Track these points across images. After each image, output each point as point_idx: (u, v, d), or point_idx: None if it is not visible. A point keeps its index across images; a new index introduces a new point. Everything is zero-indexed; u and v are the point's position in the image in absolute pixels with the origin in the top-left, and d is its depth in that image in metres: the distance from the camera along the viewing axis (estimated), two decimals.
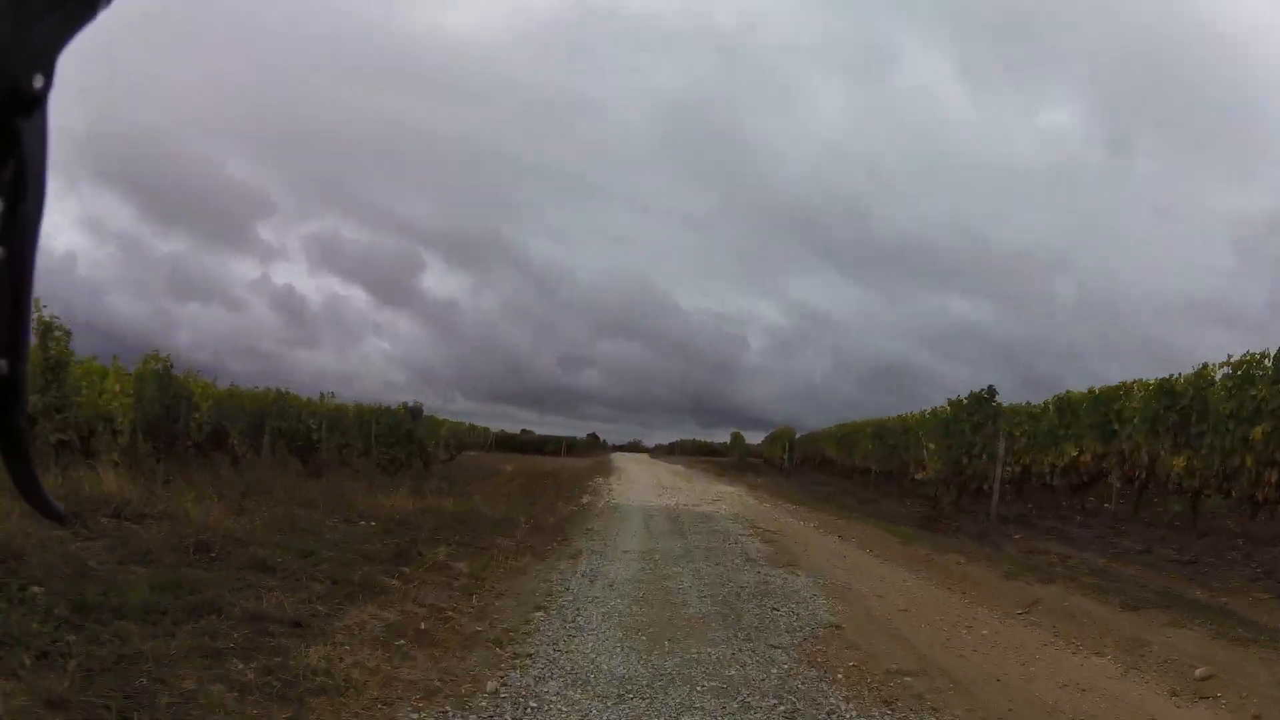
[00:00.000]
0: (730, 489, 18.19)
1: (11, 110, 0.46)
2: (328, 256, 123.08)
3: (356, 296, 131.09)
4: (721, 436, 72.22)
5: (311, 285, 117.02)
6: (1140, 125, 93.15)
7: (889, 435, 16.71)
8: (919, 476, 13.88)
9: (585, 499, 13.30)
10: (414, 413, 16.60)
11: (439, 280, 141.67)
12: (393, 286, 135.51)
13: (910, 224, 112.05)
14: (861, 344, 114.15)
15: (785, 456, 24.40)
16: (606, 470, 24.65)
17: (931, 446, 12.93)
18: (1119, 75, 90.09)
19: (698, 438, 70.01)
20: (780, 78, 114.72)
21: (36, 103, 0.47)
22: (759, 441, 41.57)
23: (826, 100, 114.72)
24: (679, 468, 32.85)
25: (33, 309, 0.53)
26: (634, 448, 76.77)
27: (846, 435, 21.71)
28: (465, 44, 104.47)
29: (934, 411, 13.50)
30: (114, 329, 70.66)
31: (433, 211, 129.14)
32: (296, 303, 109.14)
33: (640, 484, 18.36)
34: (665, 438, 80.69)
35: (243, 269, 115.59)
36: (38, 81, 0.47)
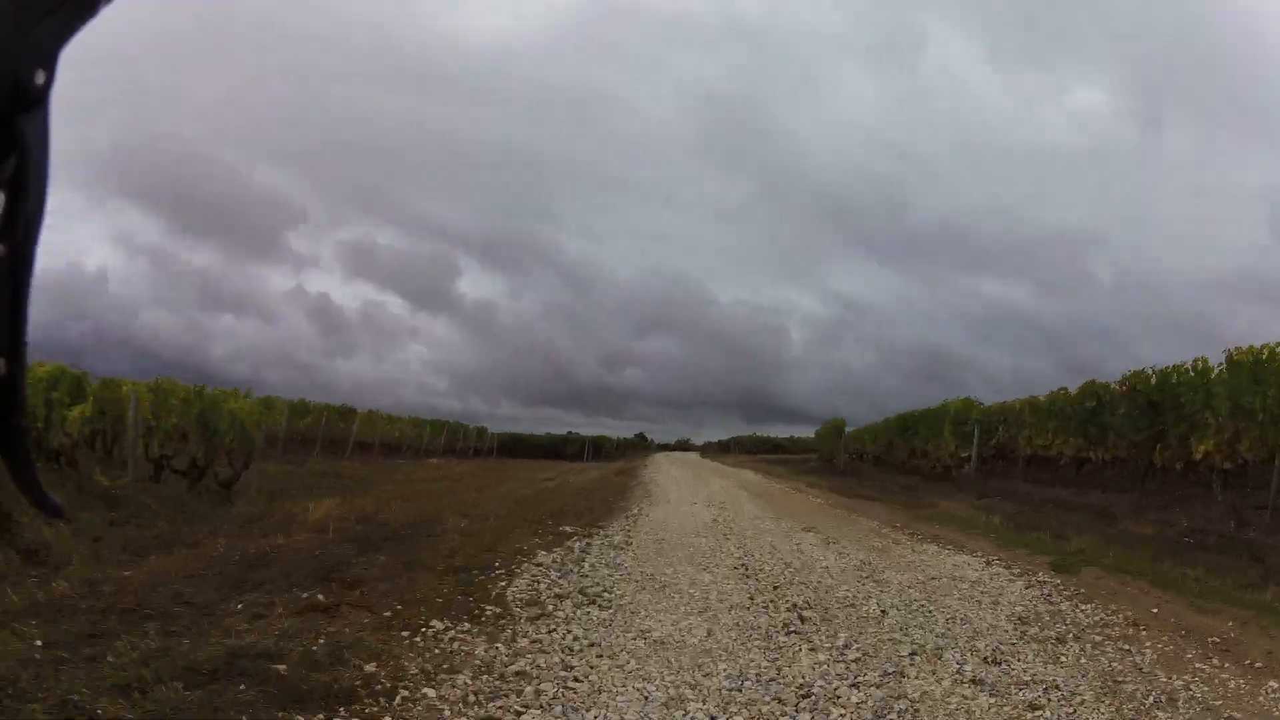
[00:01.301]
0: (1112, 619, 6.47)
1: (13, 107, 0.46)
2: (362, 264, 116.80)
3: (392, 303, 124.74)
4: (769, 431, 61.20)
5: (347, 293, 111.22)
6: (1172, 102, 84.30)
7: None
8: None
9: None
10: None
11: (475, 284, 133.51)
12: (429, 291, 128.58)
13: (944, 209, 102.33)
14: (902, 333, 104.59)
15: (969, 455, 12.44)
16: (622, 491, 13.01)
17: None
18: (1148, 52, 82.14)
19: (753, 433, 59.51)
20: (807, 66, 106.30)
21: (38, 99, 0.47)
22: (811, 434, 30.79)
23: (854, 87, 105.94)
24: (749, 475, 21.18)
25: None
26: (683, 446, 67.40)
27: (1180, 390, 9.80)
28: (491, 46, 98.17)
29: None
30: (148, 346, 67.57)
31: (466, 214, 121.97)
32: (332, 311, 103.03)
33: (681, 579, 6.50)
34: (714, 435, 71.45)
35: (276, 279, 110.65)
36: (39, 78, 0.47)
